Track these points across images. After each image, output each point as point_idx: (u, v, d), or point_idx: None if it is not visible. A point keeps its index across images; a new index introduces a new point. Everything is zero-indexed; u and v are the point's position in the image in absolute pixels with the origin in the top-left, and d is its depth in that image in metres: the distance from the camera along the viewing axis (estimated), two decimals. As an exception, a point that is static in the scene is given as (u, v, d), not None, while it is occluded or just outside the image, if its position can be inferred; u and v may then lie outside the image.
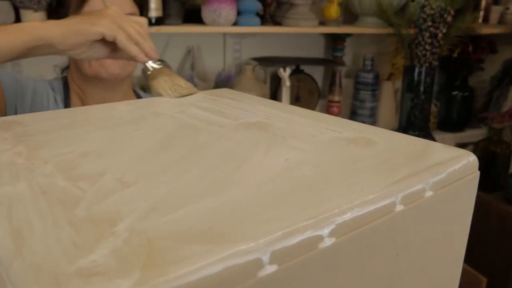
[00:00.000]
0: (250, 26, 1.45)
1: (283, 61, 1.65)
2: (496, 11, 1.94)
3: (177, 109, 0.50)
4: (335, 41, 1.77)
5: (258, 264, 0.22)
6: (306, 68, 1.74)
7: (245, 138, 0.39)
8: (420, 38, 1.58)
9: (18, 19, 1.32)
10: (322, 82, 1.88)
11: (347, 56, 1.85)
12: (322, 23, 1.64)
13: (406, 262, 0.32)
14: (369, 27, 1.65)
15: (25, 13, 1.29)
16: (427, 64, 1.60)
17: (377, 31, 1.64)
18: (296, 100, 1.74)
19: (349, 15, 1.77)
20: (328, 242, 0.25)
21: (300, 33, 1.71)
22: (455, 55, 1.81)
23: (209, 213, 0.25)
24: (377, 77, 1.75)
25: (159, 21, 1.37)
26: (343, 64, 1.77)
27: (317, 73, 1.83)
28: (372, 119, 1.78)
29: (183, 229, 0.23)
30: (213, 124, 0.44)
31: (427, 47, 1.59)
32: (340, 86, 1.77)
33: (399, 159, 0.35)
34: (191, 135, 0.40)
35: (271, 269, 0.22)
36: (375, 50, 1.89)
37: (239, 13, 1.46)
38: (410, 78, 1.63)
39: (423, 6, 1.56)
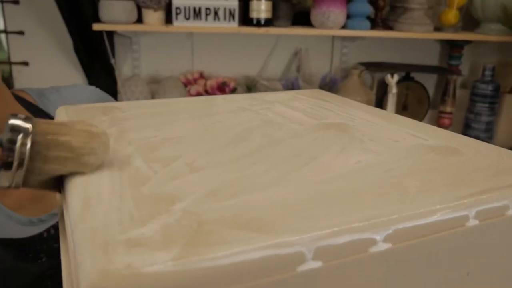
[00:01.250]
0: (359, 30, 1.42)
1: (392, 67, 1.59)
2: None
3: (264, 106, 0.51)
4: (451, 48, 1.66)
5: (299, 258, 0.22)
6: (417, 76, 1.66)
7: (321, 138, 0.39)
8: (551, 48, 1.42)
9: (140, 18, 1.44)
10: (433, 91, 1.78)
11: (464, 65, 1.73)
12: (437, 28, 1.55)
13: (478, 284, 0.29)
14: (491, 34, 1.53)
15: (146, 12, 1.40)
16: (557, 77, 1.43)
17: (501, 39, 1.51)
18: (403, 108, 1.67)
19: (469, 21, 1.65)
20: (382, 247, 0.24)
21: (413, 38, 1.63)
22: None
23: (263, 204, 0.25)
24: (497, 89, 1.61)
25: (268, 23, 1.40)
26: (459, 73, 1.66)
27: (429, 81, 1.73)
28: (487, 135, 1.64)
29: (233, 215, 0.24)
30: (294, 122, 0.44)
31: (559, 58, 1.43)
32: (454, 96, 1.66)
33: (483, 171, 0.32)
34: (269, 131, 0.41)
35: (314, 265, 0.22)
36: (497, 60, 1.74)
37: (349, 16, 1.44)
38: (535, 92, 1.48)
39: (558, 13, 1.40)
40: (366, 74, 1.60)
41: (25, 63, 1.76)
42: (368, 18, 1.46)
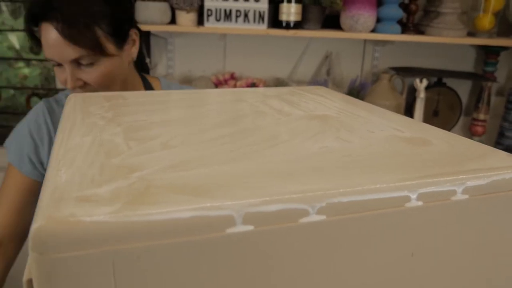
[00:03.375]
0: (389, 33, 1.41)
1: (423, 72, 1.58)
2: None
3: (260, 99, 0.53)
4: (487, 54, 1.62)
5: (229, 221, 0.24)
6: (450, 82, 1.63)
7: (300, 126, 0.41)
8: None
9: (173, 19, 1.49)
10: (467, 98, 1.74)
11: (500, 72, 1.68)
12: (471, 33, 1.52)
13: (422, 265, 0.30)
14: (528, 40, 1.49)
15: (179, 14, 1.45)
16: None
17: (538, 46, 1.47)
18: (434, 114, 1.65)
19: (506, 26, 1.61)
20: (314, 218, 0.26)
21: (446, 43, 1.61)
22: None
23: (213, 175, 0.28)
24: (533, 97, 1.56)
25: (297, 25, 1.42)
26: (494, 80, 1.62)
27: (462, 87, 1.70)
28: (521, 143, 1.59)
29: (181, 183, 0.27)
30: (282, 113, 0.46)
31: None
32: (488, 104, 1.62)
33: (443, 159, 0.33)
34: (254, 119, 0.43)
35: (243, 228, 0.24)
36: (535, 67, 1.69)
37: (379, 20, 1.44)
38: None
39: None
40: (396, 79, 1.59)
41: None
42: (400, 22, 1.46)
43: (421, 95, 1.45)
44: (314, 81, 1.63)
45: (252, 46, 1.69)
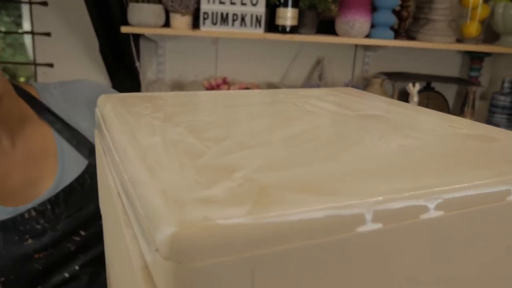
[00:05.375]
0: (383, 39, 1.43)
1: (413, 77, 1.60)
2: None
3: (301, 100, 0.52)
4: (472, 60, 1.66)
5: (360, 219, 0.23)
6: (437, 86, 1.66)
7: (362, 125, 0.40)
8: None
9: (168, 22, 1.47)
10: (453, 102, 1.78)
11: (484, 77, 1.73)
12: (459, 40, 1.56)
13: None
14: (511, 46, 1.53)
15: (174, 16, 1.42)
16: None
17: (523, 52, 1.51)
18: (423, 118, 1.67)
19: (490, 34, 1.66)
20: (433, 214, 0.25)
21: (434, 49, 1.64)
22: None
23: (319, 174, 0.27)
24: (516, 101, 1.61)
25: (293, 30, 1.42)
26: (478, 84, 1.66)
27: (449, 92, 1.74)
28: (508, 147, 1.64)
29: (293, 182, 0.25)
30: (332, 113, 0.45)
31: None
32: (473, 107, 1.66)
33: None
34: (309, 119, 0.42)
35: (372, 226, 0.23)
36: (518, 73, 1.74)
37: (373, 25, 1.45)
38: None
39: None
40: (387, 84, 1.61)
41: (50, 65, 1.79)
42: (392, 28, 1.48)
43: (415, 99, 1.47)
44: (306, 86, 1.63)
45: (244, 51, 1.68)
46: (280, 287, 0.21)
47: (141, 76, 1.69)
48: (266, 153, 0.31)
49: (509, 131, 0.41)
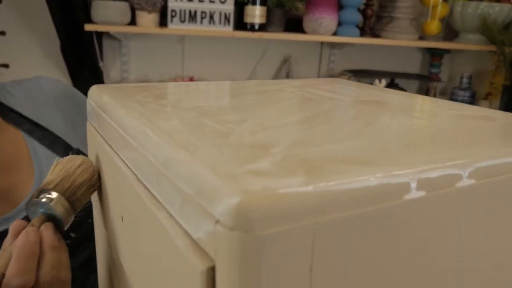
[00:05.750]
0: (350, 36, 1.46)
1: (377, 74, 1.64)
2: None
3: (294, 89, 0.52)
4: (432, 57, 1.73)
5: (406, 187, 0.23)
6: (401, 82, 1.71)
7: (367, 109, 0.41)
8: (527, 57, 1.50)
9: (133, 20, 1.44)
10: (415, 99, 1.84)
11: (444, 73, 1.80)
12: (421, 38, 1.61)
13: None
14: (469, 43, 1.60)
15: (140, 14, 1.40)
16: (530, 85, 1.51)
17: (479, 48, 1.58)
18: (387, 114, 1.72)
19: (449, 32, 1.72)
20: (466, 182, 0.26)
21: (397, 47, 1.69)
22: None
23: (352, 149, 0.27)
24: (473, 96, 1.68)
25: (261, 28, 1.42)
26: (438, 80, 1.73)
27: (411, 87, 1.79)
28: (467, 140, 1.71)
29: (334, 155, 0.25)
30: (332, 99, 0.46)
31: (533, 67, 1.51)
32: (435, 103, 1.72)
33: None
34: (314, 104, 0.42)
35: (417, 194, 0.23)
36: (473, 69, 1.82)
37: (339, 24, 1.48)
38: (509, 98, 1.55)
39: (532, 24, 1.48)
40: (353, 81, 1.64)
41: (5, 65, 1.72)
42: (357, 26, 1.51)
43: (381, 95, 1.51)
44: (274, 84, 1.65)
45: (211, 50, 1.67)
46: (336, 253, 0.21)
47: (104, 76, 1.65)
48: (290, 133, 0.31)
49: (500, 111, 0.43)
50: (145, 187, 0.29)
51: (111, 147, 0.38)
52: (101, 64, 1.60)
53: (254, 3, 1.38)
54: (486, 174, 0.27)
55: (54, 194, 0.39)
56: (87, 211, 0.65)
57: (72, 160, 0.43)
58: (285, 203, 0.20)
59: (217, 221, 0.20)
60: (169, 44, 1.65)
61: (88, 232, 0.67)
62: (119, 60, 1.67)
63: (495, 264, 0.30)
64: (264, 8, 1.40)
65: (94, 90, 0.48)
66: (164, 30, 1.39)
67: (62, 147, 0.69)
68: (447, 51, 1.68)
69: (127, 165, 0.34)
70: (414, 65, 1.79)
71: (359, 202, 0.21)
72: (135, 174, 0.32)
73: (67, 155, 0.69)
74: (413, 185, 0.23)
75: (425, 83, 1.76)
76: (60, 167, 0.42)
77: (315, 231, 0.20)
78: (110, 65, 1.69)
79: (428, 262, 0.25)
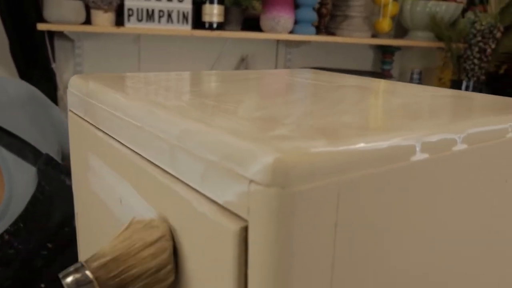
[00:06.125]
0: (306, 34, 1.50)
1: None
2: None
3: (274, 77, 0.54)
4: (384, 55, 1.80)
5: (412, 149, 0.25)
6: (355, 80, 1.78)
7: (351, 91, 0.43)
8: (469, 53, 1.60)
9: (88, 19, 1.41)
10: (369, 95, 1.91)
11: (395, 70, 1.88)
12: (374, 35, 1.68)
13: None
14: (419, 40, 1.68)
15: (95, 13, 1.37)
16: (474, 79, 1.61)
17: (428, 45, 1.67)
18: (343, 110, 1.77)
19: (400, 30, 1.80)
20: (460, 147, 0.28)
21: (351, 45, 1.75)
22: (501, 71, 1.82)
23: (357, 119, 0.28)
24: (424, 92, 1.77)
25: (219, 27, 1.43)
26: (390, 76, 1.80)
27: (365, 85, 1.86)
28: (418, 133, 1.79)
29: (343, 123, 0.27)
30: (313, 84, 0.47)
31: (476, 61, 1.60)
32: (388, 99, 1.79)
33: (499, 105, 0.38)
34: (299, 88, 0.44)
35: (421, 156, 0.25)
36: (423, 65, 1.92)
37: (296, 22, 1.52)
38: (458, 92, 1.65)
39: (474, 22, 1.58)
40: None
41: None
42: (312, 25, 1.55)
43: (338, 91, 1.55)
44: (233, 83, 1.66)
45: (168, 49, 1.66)
46: (356, 211, 0.23)
47: (57, 78, 1.60)
48: (292, 109, 0.32)
49: (474, 93, 0.46)
50: (154, 165, 0.30)
51: (105, 132, 0.38)
52: (53, 65, 1.55)
53: (211, 2, 1.39)
54: (476, 140, 0.29)
55: (88, 276, 0.25)
56: (64, 219, 0.64)
57: (149, 229, 0.27)
58: (314, 161, 0.21)
59: (251, 181, 0.21)
60: (125, 44, 1.62)
61: (65, 241, 0.65)
62: (72, 61, 1.63)
63: (487, 225, 0.33)
64: (222, 7, 1.41)
65: (75, 79, 0.47)
66: (121, 30, 1.37)
67: (31, 153, 0.66)
68: (398, 48, 1.76)
69: (127, 147, 0.34)
70: (367, 62, 1.86)
71: (375, 162, 0.23)
72: (139, 154, 0.32)
73: (36, 161, 0.66)
74: (418, 148, 0.25)
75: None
76: (127, 235, 0.27)
77: (339, 188, 0.22)
78: (63, 67, 1.64)
79: (435, 221, 0.28)
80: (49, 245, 0.63)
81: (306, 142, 0.22)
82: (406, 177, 0.25)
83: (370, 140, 0.24)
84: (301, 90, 0.42)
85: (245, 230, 0.22)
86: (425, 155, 0.26)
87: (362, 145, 0.23)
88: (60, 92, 1.59)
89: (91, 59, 1.63)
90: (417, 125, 0.28)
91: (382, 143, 0.24)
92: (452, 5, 1.59)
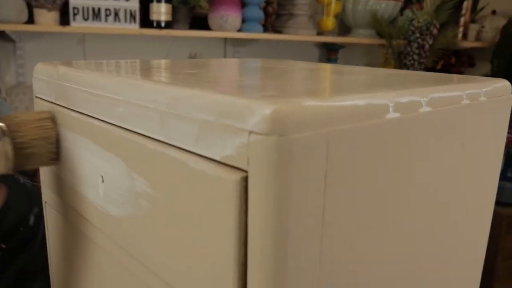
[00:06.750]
0: (254, 32, 1.53)
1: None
2: (473, 29, 2.09)
3: (235, 63, 0.56)
4: (329, 52, 1.87)
5: (386, 108, 0.28)
6: (302, 77, 1.83)
7: (314, 70, 0.45)
8: (409, 49, 1.69)
9: (31, 18, 1.36)
10: (315, 92, 1.97)
11: (340, 67, 1.95)
12: (319, 33, 1.74)
13: (470, 156, 0.38)
14: (361, 37, 1.76)
15: (39, 12, 1.33)
16: (416, 73, 1.70)
17: (370, 42, 1.75)
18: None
19: (343, 28, 1.88)
20: (426, 109, 0.31)
21: (297, 43, 1.80)
22: (439, 66, 1.94)
23: (334, 86, 0.31)
24: (368, 87, 1.85)
25: (168, 25, 1.43)
26: (336, 74, 1.87)
27: (311, 82, 1.92)
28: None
29: (322, 89, 0.29)
30: (275, 67, 0.50)
31: (415, 57, 1.70)
32: (333, 95, 1.86)
33: (455, 79, 0.42)
34: (264, 69, 0.46)
35: (394, 115, 0.28)
36: (366, 61, 2.00)
37: (243, 21, 1.54)
38: (400, 86, 1.73)
39: (412, 19, 1.67)
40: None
41: None
42: (259, 23, 1.59)
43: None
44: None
45: (114, 49, 1.63)
46: (342, 162, 0.25)
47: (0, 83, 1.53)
48: (268, 83, 0.34)
49: (422, 71, 0.50)
50: (141, 135, 0.31)
51: (81, 113, 0.38)
52: (-7, 67, 1.49)
53: (159, 1, 1.39)
54: (438, 104, 0.32)
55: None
56: (19, 219, 0.62)
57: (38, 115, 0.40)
58: (307, 113, 0.23)
59: (250, 132, 0.23)
60: (69, 44, 1.58)
61: (20, 241, 0.63)
62: (13, 63, 1.57)
63: (446, 183, 0.36)
64: (169, 6, 1.42)
65: (41, 66, 0.47)
66: (66, 29, 1.34)
67: None
68: (342, 46, 1.83)
69: (109, 123, 0.34)
70: (313, 60, 1.92)
71: (357, 117, 0.26)
72: (123, 128, 0.33)
73: None
74: (391, 107, 0.28)
75: (322, 77, 1.90)
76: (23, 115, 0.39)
77: (328, 139, 0.24)
78: (4, 69, 1.57)
79: (405, 174, 0.30)
80: (3, 245, 0.62)
81: (297, 99, 0.24)
82: (382, 133, 0.28)
83: (351, 98, 0.26)
84: (265, 71, 0.44)
85: (245, 180, 0.23)
86: (397, 114, 0.29)
87: (345, 102, 0.26)
88: (2, 95, 1.52)
89: (34, 61, 1.57)
90: (387, 90, 0.31)
91: (362, 101, 0.26)
92: (391, 3, 1.68)
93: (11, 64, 1.57)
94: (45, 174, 0.48)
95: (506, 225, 1.54)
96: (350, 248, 0.28)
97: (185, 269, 0.28)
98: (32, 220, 0.65)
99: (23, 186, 0.67)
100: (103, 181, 0.37)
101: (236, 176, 0.23)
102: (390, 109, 0.28)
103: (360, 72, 0.44)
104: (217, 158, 0.25)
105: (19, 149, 0.36)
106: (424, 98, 0.31)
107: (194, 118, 0.26)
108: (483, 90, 0.39)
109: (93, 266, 0.41)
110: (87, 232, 0.41)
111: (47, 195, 0.49)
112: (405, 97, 0.30)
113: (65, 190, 0.44)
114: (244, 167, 0.23)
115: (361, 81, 0.35)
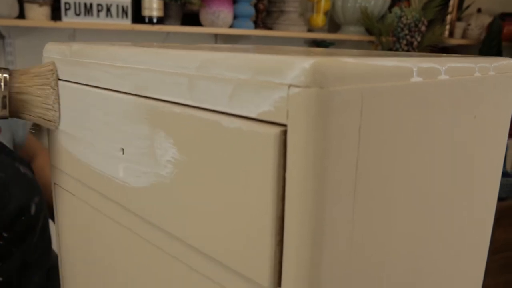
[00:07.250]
0: (245, 29, 1.53)
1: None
2: (459, 26, 2.13)
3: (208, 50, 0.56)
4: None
5: (411, 72, 0.29)
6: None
7: (315, 48, 0.46)
8: (398, 45, 1.71)
9: (22, 13, 1.35)
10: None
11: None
12: (310, 30, 1.75)
13: (480, 129, 0.39)
14: (351, 34, 1.78)
15: (30, 7, 1.32)
16: (405, 70, 1.73)
17: (359, 38, 1.77)
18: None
19: (333, 25, 1.89)
20: (444, 77, 0.32)
21: (287, 40, 1.81)
22: (427, 65, 1.97)
23: (353, 54, 0.32)
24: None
25: (159, 21, 1.43)
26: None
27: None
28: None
29: (350, 54, 0.30)
30: (291, 48, 0.51)
31: (404, 54, 1.72)
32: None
33: (457, 56, 0.43)
34: (282, 48, 0.47)
35: (417, 79, 0.29)
36: (355, 59, 2.02)
37: (235, 17, 1.55)
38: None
39: (400, 16, 1.70)
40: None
41: None
42: (250, 20, 1.59)
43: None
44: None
45: (105, 46, 1.62)
46: (374, 115, 0.26)
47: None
48: (295, 54, 0.35)
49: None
50: (167, 102, 0.31)
51: (98, 87, 0.38)
52: (-18, 64, 1.47)
53: (151, -4, 1.39)
54: (454, 73, 0.33)
55: None
56: (20, 208, 0.62)
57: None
58: (345, 67, 0.24)
59: (290, 85, 0.23)
60: (59, 40, 1.56)
61: (21, 231, 0.63)
62: (3, 59, 1.55)
63: (460, 149, 0.37)
64: (161, 2, 1.41)
65: (51, 46, 0.47)
66: (58, 24, 1.33)
67: None
68: (332, 42, 1.85)
69: (131, 94, 0.35)
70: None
71: (386, 77, 0.27)
72: (148, 97, 0.33)
73: None
74: (415, 71, 0.29)
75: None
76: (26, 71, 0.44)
77: (363, 94, 0.25)
78: (-8, 66, 1.55)
79: (427, 137, 0.31)
80: (5, 234, 0.61)
81: (332, 57, 0.25)
82: (407, 95, 0.29)
83: (381, 60, 0.27)
84: (288, 48, 0.45)
85: (283, 133, 0.24)
86: (420, 79, 0.30)
87: (377, 62, 0.26)
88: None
89: (24, 57, 1.56)
90: (410, 57, 0.32)
91: (391, 63, 0.27)
92: (380, 0, 1.70)
93: (1, 60, 1.55)
94: (55, 154, 0.48)
95: (496, 218, 1.56)
96: (380, 207, 0.28)
97: (217, 232, 0.29)
98: (33, 209, 0.65)
99: (24, 176, 0.66)
100: (123, 153, 0.37)
101: (276, 130, 0.24)
102: (414, 73, 0.29)
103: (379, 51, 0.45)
104: (253, 116, 0.25)
105: (15, 94, 0.41)
106: (443, 67, 0.32)
107: (227, 78, 0.27)
108: (492, 65, 0.40)
109: (112, 244, 0.41)
110: (103, 209, 0.41)
111: (57, 176, 0.49)
112: (426, 63, 0.31)
113: (77, 167, 0.44)
114: (283, 121, 0.24)
115: (384, 53, 0.36)
